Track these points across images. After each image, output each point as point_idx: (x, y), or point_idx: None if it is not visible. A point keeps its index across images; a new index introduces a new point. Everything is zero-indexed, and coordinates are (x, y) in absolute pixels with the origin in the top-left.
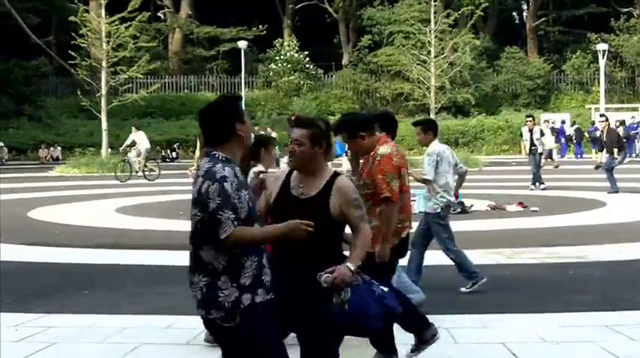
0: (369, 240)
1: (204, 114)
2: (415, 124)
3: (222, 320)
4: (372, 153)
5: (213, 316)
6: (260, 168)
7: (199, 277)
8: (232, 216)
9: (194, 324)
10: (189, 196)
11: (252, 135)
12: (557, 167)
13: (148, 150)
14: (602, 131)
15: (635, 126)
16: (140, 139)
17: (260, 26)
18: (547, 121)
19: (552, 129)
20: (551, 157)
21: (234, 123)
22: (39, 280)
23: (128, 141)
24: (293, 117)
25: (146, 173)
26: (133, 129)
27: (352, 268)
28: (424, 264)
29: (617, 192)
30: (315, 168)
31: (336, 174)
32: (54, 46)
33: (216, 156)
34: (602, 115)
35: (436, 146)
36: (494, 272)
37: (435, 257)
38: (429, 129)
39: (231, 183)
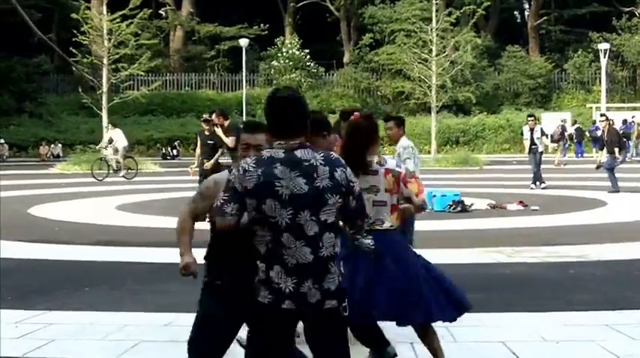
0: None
1: (296, 104)
2: (387, 119)
3: (345, 309)
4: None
5: (345, 304)
6: None
7: (334, 268)
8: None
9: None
10: (190, 194)
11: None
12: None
13: (125, 148)
14: (603, 131)
15: (628, 126)
16: (117, 137)
17: (261, 25)
18: (564, 121)
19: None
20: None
21: (307, 119)
22: (39, 277)
23: (105, 139)
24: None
25: (124, 172)
26: (110, 126)
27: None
28: None
29: (617, 191)
30: None
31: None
32: (55, 43)
33: (308, 146)
34: (602, 115)
35: (407, 140)
36: (494, 271)
37: (433, 256)
38: (401, 124)
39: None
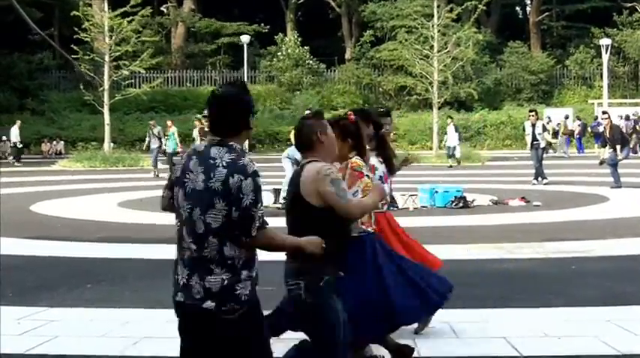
0: None
1: (225, 102)
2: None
3: (232, 312)
4: None
5: (226, 308)
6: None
7: (219, 270)
8: (261, 212)
9: None
10: None
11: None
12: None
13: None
14: (605, 127)
15: (595, 123)
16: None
17: (262, 22)
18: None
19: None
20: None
21: (249, 116)
22: (41, 274)
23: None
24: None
25: None
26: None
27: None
28: None
29: (620, 187)
30: None
31: None
32: (57, 40)
33: (234, 146)
34: (604, 112)
35: None
36: (496, 266)
37: (435, 252)
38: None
39: (259, 177)
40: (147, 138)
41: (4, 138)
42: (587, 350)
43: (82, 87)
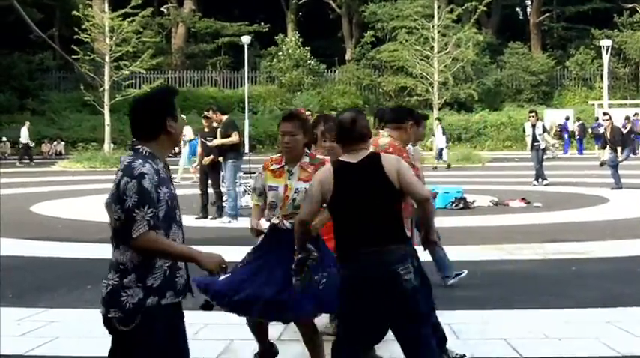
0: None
1: (135, 105)
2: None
3: (119, 321)
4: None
5: (112, 315)
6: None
7: (111, 274)
8: (149, 215)
9: (195, 320)
10: (192, 192)
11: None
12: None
13: None
14: (605, 129)
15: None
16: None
17: (263, 23)
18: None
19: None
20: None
21: (165, 119)
22: (41, 274)
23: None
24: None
25: None
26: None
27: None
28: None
29: (620, 188)
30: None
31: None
32: (57, 41)
33: (140, 150)
34: (605, 113)
35: None
36: (496, 268)
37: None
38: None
39: (150, 180)
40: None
41: (4, 138)
42: (588, 351)
43: (82, 87)
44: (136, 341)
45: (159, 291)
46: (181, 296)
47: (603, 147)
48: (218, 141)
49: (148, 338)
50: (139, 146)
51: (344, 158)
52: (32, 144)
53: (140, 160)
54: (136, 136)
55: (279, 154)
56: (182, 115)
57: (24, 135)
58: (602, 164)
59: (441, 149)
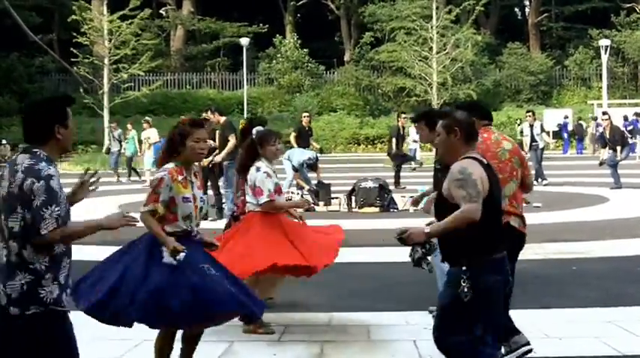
0: (459, 218)
1: (27, 110)
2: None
3: (39, 317)
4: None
5: (32, 311)
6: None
7: (23, 275)
8: (56, 213)
9: None
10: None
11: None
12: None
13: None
14: (604, 128)
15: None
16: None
17: (261, 24)
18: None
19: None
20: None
21: (54, 126)
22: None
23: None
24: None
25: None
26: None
27: (426, 231)
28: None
29: (620, 187)
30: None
31: (462, 158)
32: (56, 44)
33: (38, 153)
34: (604, 113)
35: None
36: None
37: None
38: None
39: (56, 181)
40: (107, 141)
41: (3, 141)
42: (588, 351)
43: (81, 90)
44: (56, 337)
45: (67, 287)
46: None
47: (604, 147)
48: (222, 155)
49: (66, 334)
50: (37, 149)
51: (476, 155)
52: None
53: (44, 163)
54: (27, 140)
55: (173, 165)
56: (147, 117)
57: None
58: (601, 164)
59: (414, 149)
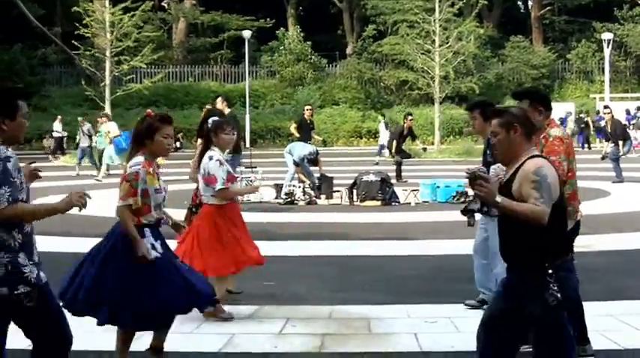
0: (533, 211)
1: None
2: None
3: (26, 296)
4: (544, 134)
5: (21, 291)
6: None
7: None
8: (8, 192)
9: (196, 314)
10: (193, 186)
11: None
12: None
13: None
14: (606, 122)
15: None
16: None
17: (264, 18)
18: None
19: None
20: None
21: (1, 119)
22: (43, 269)
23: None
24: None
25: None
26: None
27: (499, 199)
28: (431, 253)
29: (622, 181)
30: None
31: (531, 157)
32: (59, 36)
33: None
34: (606, 106)
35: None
36: None
37: (437, 246)
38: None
39: (13, 163)
40: (77, 136)
41: None
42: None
43: (83, 82)
44: (45, 315)
45: (40, 264)
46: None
47: (607, 140)
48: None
49: (49, 312)
50: None
51: (541, 154)
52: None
53: (3, 146)
54: None
55: (143, 158)
56: (106, 111)
57: (57, 128)
58: (603, 157)
59: (383, 145)
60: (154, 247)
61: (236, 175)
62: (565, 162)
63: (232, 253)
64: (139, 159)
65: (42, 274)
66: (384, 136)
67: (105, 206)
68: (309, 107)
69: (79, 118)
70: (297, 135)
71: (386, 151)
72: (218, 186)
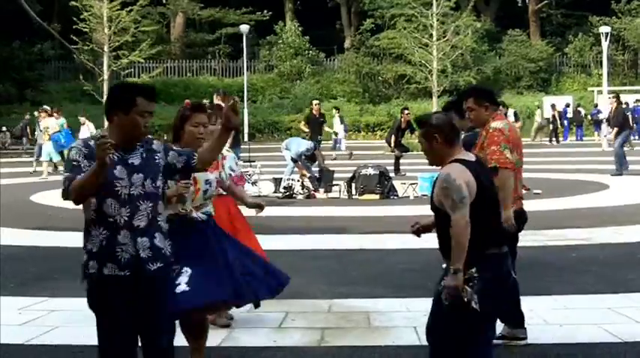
0: (458, 230)
1: None
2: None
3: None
4: (486, 127)
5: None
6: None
7: None
8: (67, 175)
9: None
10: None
11: None
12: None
13: None
14: (610, 108)
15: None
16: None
17: (262, 12)
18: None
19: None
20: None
21: (114, 111)
22: (42, 264)
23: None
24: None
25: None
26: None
27: (452, 271)
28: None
29: (621, 174)
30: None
31: (449, 163)
32: (57, 31)
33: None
34: (612, 92)
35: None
36: None
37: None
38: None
39: (75, 150)
40: (35, 133)
41: (3, 128)
42: (589, 337)
43: (81, 77)
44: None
45: (98, 258)
46: (126, 271)
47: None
48: (226, 146)
49: (93, 304)
50: None
51: (463, 156)
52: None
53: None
54: None
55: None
56: (45, 107)
57: (90, 128)
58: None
59: (338, 139)
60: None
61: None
62: (507, 151)
63: None
64: None
65: (92, 264)
66: (339, 130)
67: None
68: (316, 102)
69: (35, 113)
70: (307, 131)
71: (342, 145)
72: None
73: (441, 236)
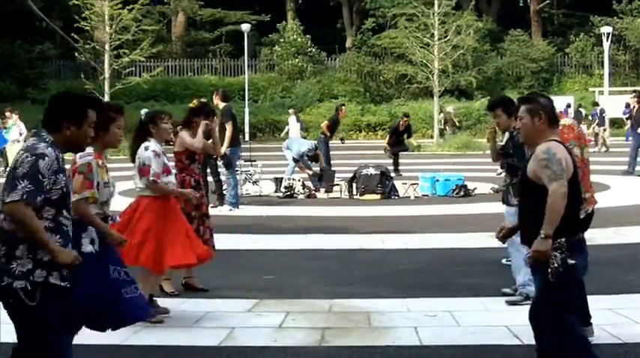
0: (555, 198)
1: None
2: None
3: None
4: None
5: (5, 283)
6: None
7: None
8: (29, 189)
9: (199, 307)
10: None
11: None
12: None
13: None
14: (633, 107)
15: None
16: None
17: (263, 12)
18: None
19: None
20: None
21: (67, 124)
22: None
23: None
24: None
25: None
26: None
27: (542, 235)
28: (431, 246)
29: (632, 173)
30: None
31: (547, 141)
32: (59, 29)
33: (44, 137)
34: (635, 91)
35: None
36: (497, 255)
37: (437, 240)
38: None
39: (48, 162)
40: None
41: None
42: (590, 338)
43: (82, 76)
44: (28, 312)
45: (48, 267)
46: (68, 282)
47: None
48: (225, 145)
49: (39, 313)
50: (44, 134)
51: (559, 139)
52: None
53: (44, 144)
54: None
55: (92, 149)
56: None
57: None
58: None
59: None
60: (93, 242)
61: (236, 169)
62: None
63: (183, 245)
64: (90, 150)
65: (39, 273)
66: (294, 130)
67: None
68: (344, 106)
69: (7, 110)
70: (328, 133)
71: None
72: (150, 178)
73: (526, 221)
